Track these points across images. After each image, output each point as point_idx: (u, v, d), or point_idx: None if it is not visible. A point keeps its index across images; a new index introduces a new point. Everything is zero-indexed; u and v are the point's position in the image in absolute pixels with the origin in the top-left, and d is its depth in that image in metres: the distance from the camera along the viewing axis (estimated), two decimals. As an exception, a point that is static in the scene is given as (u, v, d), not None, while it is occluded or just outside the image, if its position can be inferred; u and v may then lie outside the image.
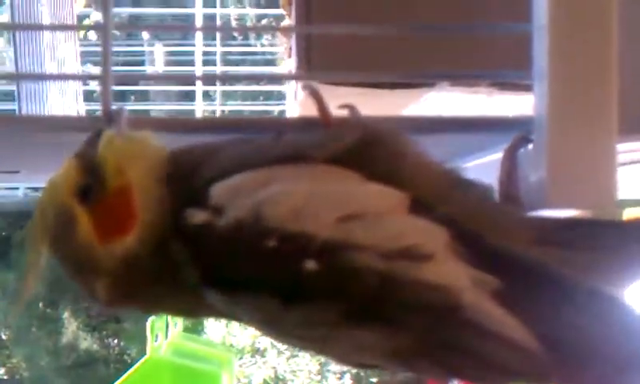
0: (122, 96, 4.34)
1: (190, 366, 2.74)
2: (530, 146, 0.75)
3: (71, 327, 7.72)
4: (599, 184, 0.70)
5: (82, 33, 3.52)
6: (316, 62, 1.08)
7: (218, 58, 4.29)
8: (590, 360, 0.65)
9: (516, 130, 0.75)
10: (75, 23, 2.84)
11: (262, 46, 6.02)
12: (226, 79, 4.36)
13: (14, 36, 2.31)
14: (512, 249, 0.67)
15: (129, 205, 0.69)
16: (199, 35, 3.83)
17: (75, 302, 7.63)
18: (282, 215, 0.65)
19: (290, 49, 1.31)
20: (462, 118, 0.78)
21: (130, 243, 0.69)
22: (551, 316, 0.65)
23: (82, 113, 2.51)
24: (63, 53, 2.47)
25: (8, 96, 3.59)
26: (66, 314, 7.68)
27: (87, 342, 7.75)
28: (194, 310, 0.74)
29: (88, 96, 3.34)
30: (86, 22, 4.88)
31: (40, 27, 2.39)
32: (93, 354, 7.75)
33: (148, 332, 2.65)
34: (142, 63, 5.17)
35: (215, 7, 4.62)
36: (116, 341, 7.85)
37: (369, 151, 0.69)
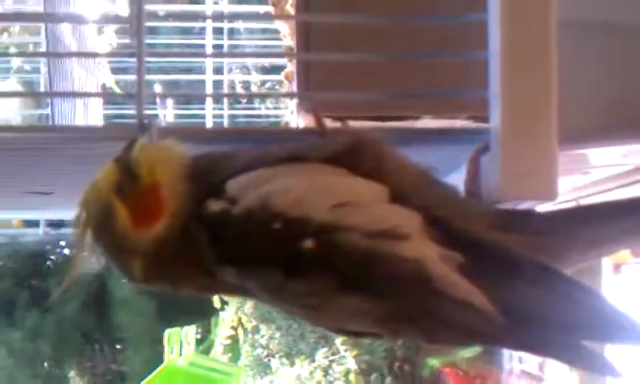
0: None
1: (204, 374, 2.86)
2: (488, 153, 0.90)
3: (76, 387, 7.72)
4: (543, 182, 0.85)
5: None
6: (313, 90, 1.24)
7: (225, 120, 4.48)
8: (536, 324, 0.79)
9: (478, 139, 0.90)
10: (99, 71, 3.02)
11: (267, 109, 6.19)
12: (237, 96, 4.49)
13: (48, 66, 2.50)
14: (474, 231, 0.82)
15: (158, 198, 0.84)
16: (209, 100, 4.03)
17: (80, 361, 7.66)
18: (286, 203, 0.80)
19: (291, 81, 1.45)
20: (435, 128, 0.93)
21: (159, 229, 0.84)
22: (505, 286, 0.79)
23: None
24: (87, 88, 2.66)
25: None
26: (71, 374, 7.70)
27: (93, 402, 7.75)
28: (212, 286, 0.88)
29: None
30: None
31: (73, 54, 2.57)
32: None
33: (165, 342, 2.77)
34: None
35: (223, 74, 4.80)
36: (121, 400, 7.85)
37: (356, 154, 0.85)
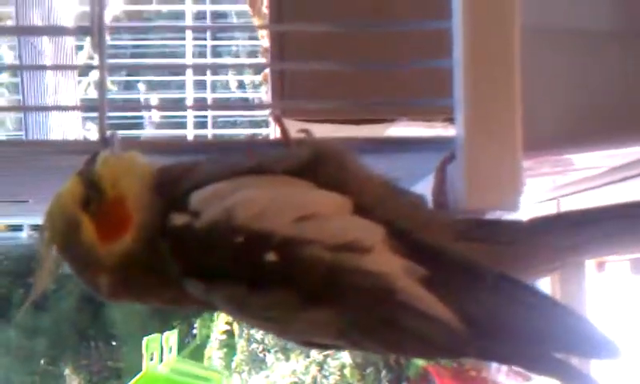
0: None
1: (184, 381, 2.85)
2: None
3: (73, 384, 7.74)
4: (508, 190, 0.85)
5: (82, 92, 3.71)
6: (287, 97, 1.24)
7: (209, 121, 4.47)
8: (502, 334, 0.79)
9: (445, 148, 0.90)
10: (76, 75, 3.01)
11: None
12: (216, 108, 4.49)
13: (21, 78, 2.49)
14: (438, 243, 0.82)
15: (124, 211, 0.84)
16: (189, 82, 4.03)
17: (76, 358, 7.67)
18: (249, 216, 0.80)
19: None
20: (400, 138, 0.93)
21: (126, 242, 0.83)
22: (470, 298, 0.79)
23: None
24: (65, 93, 2.64)
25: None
26: (67, 371, 7.71)
27: (88, 400, 7.77)
28: (178, 299, 0.88)
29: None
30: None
31: (43, 67, 2.56)
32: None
33: (143, 349, 2.77)
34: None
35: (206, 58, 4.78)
36: (117, 397, 7.87)
37: (319, 165, 0.84)
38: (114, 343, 7.83)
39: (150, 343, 2.77)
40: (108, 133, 0.89)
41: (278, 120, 0.90)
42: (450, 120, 1.00)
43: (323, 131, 0.96)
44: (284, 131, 0.90)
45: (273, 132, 1.59)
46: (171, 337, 2.93)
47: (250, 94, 6.20)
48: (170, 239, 0.82)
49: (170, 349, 2.90)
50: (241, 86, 6.35)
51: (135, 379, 2.88)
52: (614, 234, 0.85)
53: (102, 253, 0.83)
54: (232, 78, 6.14)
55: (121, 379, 7.70)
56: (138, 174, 0.86)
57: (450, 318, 0.78)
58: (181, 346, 5.23)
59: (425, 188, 0.92)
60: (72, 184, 0.85)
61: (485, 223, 0.87)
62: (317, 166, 0.84)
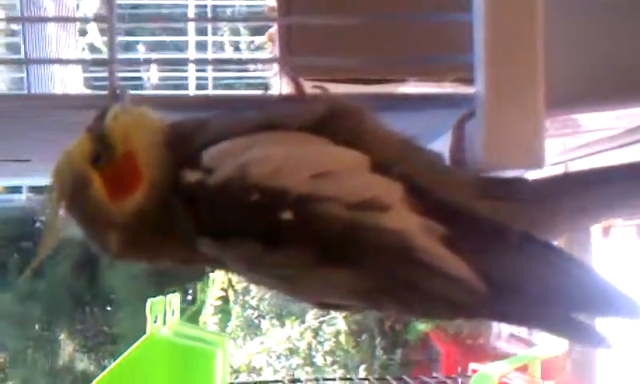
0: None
1: (188, 344, 2.84)
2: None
3: (67, 349, 7.74)
4: (529, 148, 0.83)
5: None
6: (295, 54, 1.21)
7: (209, 82, 4.46)
8: (522, 295, 0.77)
9: (464, 105, 0.88)
10: (77, 32, 2.96)
11: (255, 70, 6.17)
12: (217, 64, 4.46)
13: (23, 29, 2.44)
14: (458, 200, 0.80)
15: (134, 167, 0.82)
16: (192, 43, 4.00)
17: (71, 323, 7.68)
18: (264, 173, 0.78)
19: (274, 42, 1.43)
20: (418, 94, 0.91)
21: (137, 200, 0.81)
22: (489, 257, 0.77)
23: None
24: (66, 51, 2.61)
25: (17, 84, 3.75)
26: (62, 336, 7.71)
27: (84, 364, 7.78)
28: (189, 258, 0.86)
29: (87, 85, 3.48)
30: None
31: (47, 19, 2.52)
32: (89, 375, 7.76)
33: (147, 312, 2.75)
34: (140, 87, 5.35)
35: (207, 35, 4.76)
36: (112, 362, 7.86)
37: (336, 121, 0.82)
38: (109, 308, 7.83)
39: (154, 305, 2.76)
40: (117, 88, 0.86)
41: (292, 77, 0.88)
42: (461, 80, 0.98)
43: (332, 90, 0.94)
44: (299, 87, 0.88)
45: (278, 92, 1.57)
46: (174, 299, 2.91)
47: (245, 55, 6.15)
48: (182, 197, 0.80)
49: (173, 312, 2.89)
50: (236, 48, 6.30)
51: (139, 342, 2.87)
52: (624, 195, 0.83)
53: (112, 210, 0.81)
54: (227, 39, 6.09)
55: (116, 344, 7.70)
56: (148, 129, 0.84)
57: (470, 277, 0.76)
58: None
59: (442, 146, 0.89)
60: (81, 140, 0.83)
61: (504, 181, 0.85)
62: (333, 123, 0.82)
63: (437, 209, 0.78)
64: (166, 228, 0.82)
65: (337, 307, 0.89)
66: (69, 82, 2.48)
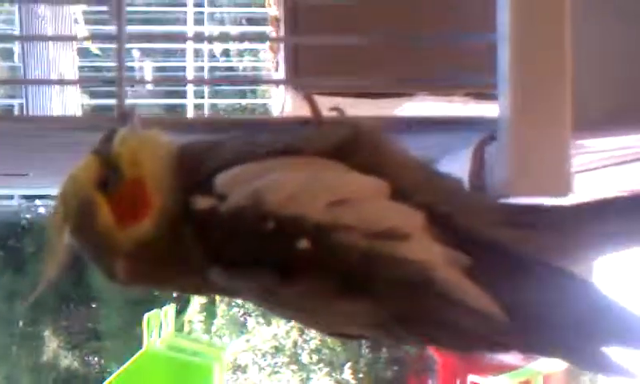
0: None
1: (184, 359, 2.82)
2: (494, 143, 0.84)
3: (52, 346, 7.72)
4: (556, 174, 0.80)
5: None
6: (303, 72, 1.17)
7: (205, 73, 4.43)
8: (546, 326, 0.74)
9: (483, 129, 0.84)
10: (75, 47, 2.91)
11: (249, 60, 6.14)
12: (215, 82, 4.45)
13: (22, 49, 2.39)
14: (480, 229, 0.77)
15: (143, 193, 0.78)
16: (190, 51, 3.98)
17: (56, 320, 7.65)
18: (279, 200, 0.74)
19: (277, 63, 1.40)
20: (436, 117, 0.87)
21: (145, 227, 0.77)
22: (512, 288, 0.74)
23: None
24: (63, 66, 2.57)
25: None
26: (46, 333, 7.69)
27: (68, 360, 7.76)
28: (200, 287, 0.82)
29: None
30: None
31: (49, 38, 2.47)
32: (73, 372, 7.75)
33: (144, 327, 2.73)
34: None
35: (203, 24, 4.72)
36: (96, 359, 7.85)
37: (354, 146, 0.79)
38: (93, 305, 7.80)
39: (151, 319, 2.72)
40: (127, 109, 0.82)
41: (309, 97, 0.84)
42: (471, 95, 0.94)
43: (338, 103, 0.90)
44: (315, 108, 0.84)
45: (276, 103, 1.53)
46: (169, 311, 2.88)
47: (235, 64, 6.13)
48: (193, 224, 0.77)
49: (168, 324, 2.85)
50: (226, 54, 6.25)
51: (135, 357, 2.84)
52: None
53: (119, 237, 0.77)
54: (218, 48, 6.04)
55: (101, 341, 7.69)
56: (159, 153, 0.80)
57: (493, 310, 0.73)
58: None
59: (459, 170, 0.86)
60: (88, 163, 0.79)
61: (529, 209, 0.82)
62: (352, 148, 0.79)
63: (459, 238, 0.75)
64: (175, 256, 0.78)
65: (349, 336, 0.86)
66: (66, 93, 2.43)
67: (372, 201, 0.76)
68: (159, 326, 2.76)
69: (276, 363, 6.84)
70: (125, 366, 2.82)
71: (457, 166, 0.88)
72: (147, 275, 0.81)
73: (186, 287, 0.84)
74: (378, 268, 0.73)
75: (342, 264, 0.73)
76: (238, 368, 6.89)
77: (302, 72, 1.18)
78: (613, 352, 0.76)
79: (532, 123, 0.79)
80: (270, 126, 0.84)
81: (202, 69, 4.41)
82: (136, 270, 0.79)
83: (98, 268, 0.81)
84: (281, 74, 1.30)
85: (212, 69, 4.73)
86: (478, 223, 0.77)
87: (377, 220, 0.74)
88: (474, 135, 0.85)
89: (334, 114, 0.84)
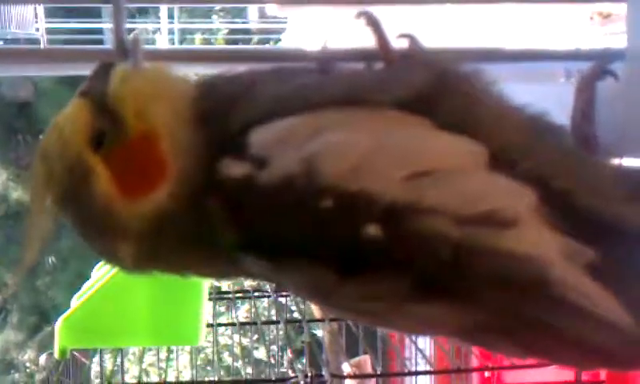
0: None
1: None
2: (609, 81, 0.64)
3: (1, 178, 7.57)
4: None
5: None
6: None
7: None
8: None
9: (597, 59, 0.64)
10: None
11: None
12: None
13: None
14: (606, 209, 0.58)
15: (155, 153, 0.58)
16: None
17: (4, 152, 7.47)
18: (340, 171, 0.55)
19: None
20: (534, 50, 0.67)
21: (159, 199, 0.58)
22: None
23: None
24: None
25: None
26: (-5, 165, 7.52)
27: (18, 193, 7.61)
28: (228, 272, 0.63)
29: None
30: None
31: None
32: (24, 204, 7.62)
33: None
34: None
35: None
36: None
37: (440, 95, 0.58)
38: (41, 137, 7.61)
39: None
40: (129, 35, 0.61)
41: (372, 22, 0.62)
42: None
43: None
44: (382, 38, 0.62)
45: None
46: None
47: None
48: (221, 196, 0.57)
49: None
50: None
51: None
52: None
53: (124, 213, 0.58)
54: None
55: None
56: (173, 96, 0.59)
57: (621, 317, 0.56)
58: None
59: (552, 107, 0.65)
60: (76, 110, 0.59)
61: None
62: (437, 97, 0.58)
63: (579, 221, 0.56)
64: (196, 236, 0.59)
65: None
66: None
67: (466, 172, 0.56)
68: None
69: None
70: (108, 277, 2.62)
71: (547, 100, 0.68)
72: (160, 260, 0.61)
73: (210, 273, 0.65)
74: (472, 264, 0.55)
75: (423, 257, 0.55)
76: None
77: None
78: None
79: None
80: (318, 60, 0.62)
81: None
82: (146, 254, 0.60)
83: (95, 249, 0.61)
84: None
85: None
86: (601, 199, 0.58)
87: (472, 199, 0.55)
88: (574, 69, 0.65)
89: (404, 42, 0.63)
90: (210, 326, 1.75)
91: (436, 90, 0.58)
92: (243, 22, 5.55)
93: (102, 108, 0.58)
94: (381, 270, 0.55)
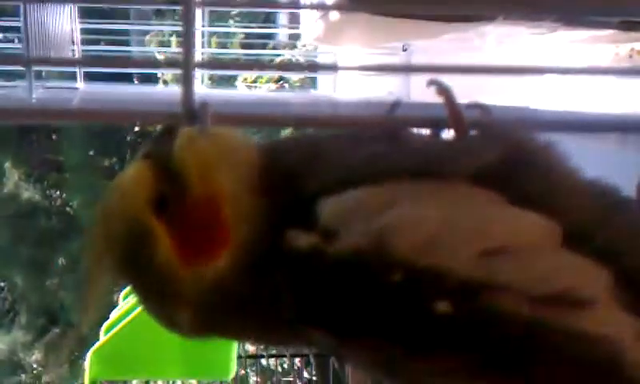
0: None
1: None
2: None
3: (12, 178, 7.58)
4: None
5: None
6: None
7: None
8: None
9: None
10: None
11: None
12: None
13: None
14: None
15: (218, 219, 0.57)
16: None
17: (16, 152, 7.48)
18: (412, 245, 0.53)
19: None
20: (617, 116, 0.65)
21: (220, 267, 0.56)
22: None
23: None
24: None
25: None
26: (7, 165, 7.52)
27: (29, 193, 7.62)
28: (288, 342, 0.62)
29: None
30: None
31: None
32: (34, 204, 7.63)
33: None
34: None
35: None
36: (58, 192, 7.73)
37: (512, 168, 0.57)
38: (53, 137, 7.61)
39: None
40: (197, 100, 0.59)
41: (444, 91, 0.61)
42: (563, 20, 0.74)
43: (401, 31, 0.66)
44: (454, 108, 0.61)
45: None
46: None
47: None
48: (285, 268, 0.55)
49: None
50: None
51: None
52: None
53: (184, 280, 0.56)
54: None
55: (60, 173, 7.54)
56: (237, 162, 0.58)
57: None
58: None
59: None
60: (139, 172, 0.57)
61: None
62: (512, 170, 0.57)
63: None
64: (257, 306, 0.57)
65: None
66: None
67: (539, 250, 0.55)
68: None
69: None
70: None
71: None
72: (218, 327, 0.60)
73: (269, 340, 0.63)
74: (544, 344, 0.53)
75: (495, 337, 0.53)
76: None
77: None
78: None
79: None
80: (385, 126, 0.61)
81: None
82: (204, 322, 0.58)
83: (152, 314, 0.59)
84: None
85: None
86: None
87: (546, 278, 0.54)
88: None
89: (475, 113, 0.61)
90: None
91: (510, 163, 0.57)
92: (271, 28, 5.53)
93: (165, 171, 0.56)
94: (450, 347, 0.54)
